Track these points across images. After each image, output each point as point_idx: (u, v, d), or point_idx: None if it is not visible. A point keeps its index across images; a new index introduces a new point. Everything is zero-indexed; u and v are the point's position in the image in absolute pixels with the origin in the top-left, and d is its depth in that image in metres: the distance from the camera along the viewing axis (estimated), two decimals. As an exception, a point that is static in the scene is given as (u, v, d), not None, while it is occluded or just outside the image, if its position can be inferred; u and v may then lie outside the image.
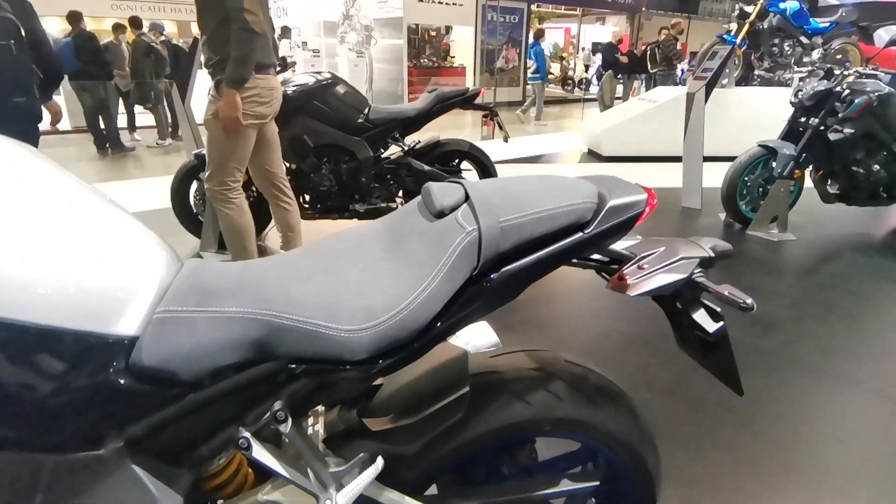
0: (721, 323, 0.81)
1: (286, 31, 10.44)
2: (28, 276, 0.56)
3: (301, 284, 0.68)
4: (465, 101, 3.20)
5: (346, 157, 3.06)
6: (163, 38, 7.28)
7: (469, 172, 3.32)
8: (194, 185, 3.15)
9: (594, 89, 12.75)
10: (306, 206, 3.13)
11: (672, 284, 0.78)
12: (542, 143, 7.31)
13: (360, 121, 3.03)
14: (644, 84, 10.01)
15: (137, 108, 7.24)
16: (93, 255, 0.62)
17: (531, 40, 9.77)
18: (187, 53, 3.56)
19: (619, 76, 9.60)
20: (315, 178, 3.02)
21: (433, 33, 12.19)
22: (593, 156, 6.47)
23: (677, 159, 4.43)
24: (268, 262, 0.75)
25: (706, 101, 3.92)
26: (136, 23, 6.85)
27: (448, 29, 12.32)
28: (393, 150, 3.21)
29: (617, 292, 0.80)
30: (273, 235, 3.40)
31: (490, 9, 11.83)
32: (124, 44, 6.99)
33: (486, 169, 3.34)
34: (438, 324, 0.67)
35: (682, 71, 9.76)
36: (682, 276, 0.79)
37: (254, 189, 3.20)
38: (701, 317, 0.82)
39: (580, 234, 0.74)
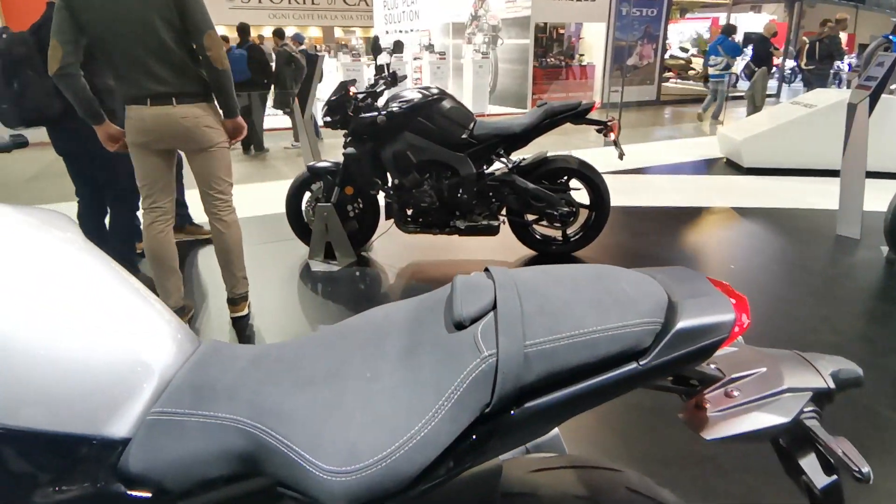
0: (834, 477, 0.61)
1: (398, 46, 10.66)
2: (17, 373, 0.55)
3: (298, 393, 0.61)
4: (577, 115, 2.99)
5: (448, 174, 3.02)
6: (302, 47, 7.83)
7: (578, 192, 3.11)
8: (307, 196, 3.30)
9: (742, 85, 11.53)
10: (408, 220, 3.14)
11: (768, 430, 0.61)
12: (672, 150, 6.73)
13: (463, 137, 2.97)
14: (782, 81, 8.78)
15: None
16: (92, 348, 0.60)
17: (715, 35, 9.03)
18: (307, 67, 3.75)
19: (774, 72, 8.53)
20: (417, 194, 3.02)
21: (561, 31, 11.80)
22: (732, 167, 5.81)
23: (832, 174, 3.80)
24: (282, 350, 0.70)
25: (870, 113, 3.30)
26: (279, 33, 7.43)
27: (578, 26, 11.85)
28: (498, 167, 3.11)
29: (690, 428, 0.64)
30: (379, 244, 3.47)
31: (625, 2, 11.15)
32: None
33: (596, 189, 3.10)
34: (439, 468, 0.56)
35: (845, 68, 8.41)
36: (784, 419, 0.61)
37: (359, 201, 3.29)
38: (809, 464, 0.63)
39: (633, 365, 0.59)
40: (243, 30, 6.98)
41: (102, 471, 0.58)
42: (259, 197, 4.59)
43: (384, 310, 0.74)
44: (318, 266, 3.20)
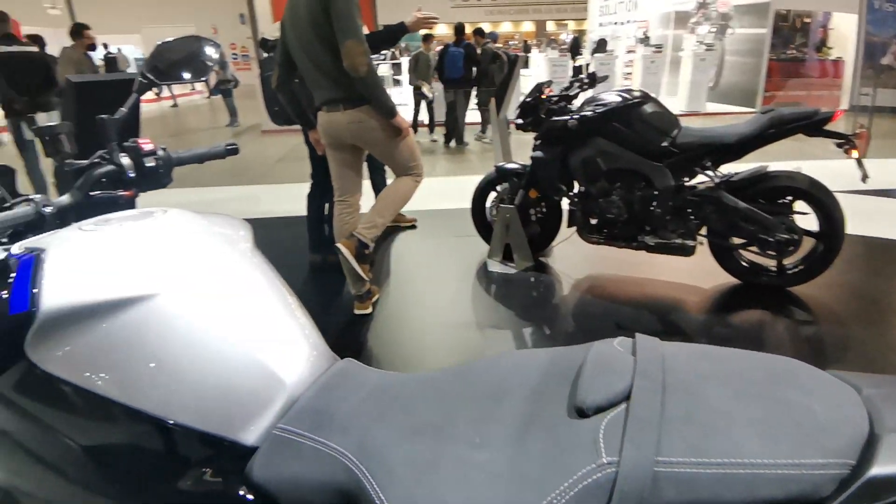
0: None
1: (601, 45, 10.11)
2: (175, 369, 0.63)
3: (404, 441, 0.59)
4: (811, 126, 2.48)
5: (641, 184, 2.77)
6: (497, 45, 8.08)
7: (806, 218, 2.60)
8: (492, 195, 3.34)
9: None
10: (592, 230, 2.98)
11: None
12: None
13: (664, 145, 2.69)
14: None
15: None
16: (238, 356, 0.66)
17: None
18: (507, 68, 3.76)
19: None
20: (604, 203, 2.83)
21: (807, 20, 10.00)
22: None
23: None
24: (403, 386, 0.69)
25: None
26: (480, 32, 7.65)
27: (826, 15, 9.91)
28: (702, 179, 2.75)
29: None
30: (558, 251, 3.37)
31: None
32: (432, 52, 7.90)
33: (828, 215, 2.55)
34: None
35: None
36: None
37: (542, 206, 3.22)
38: None
39: None
40: (459, 29, 7.33)
41: (231, 473, 0.63)
42: (451, 190, 4.81)
43: (514, 359, 0.68)
44: (496, 266, 3.22)
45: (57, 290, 0.61)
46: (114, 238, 0.69)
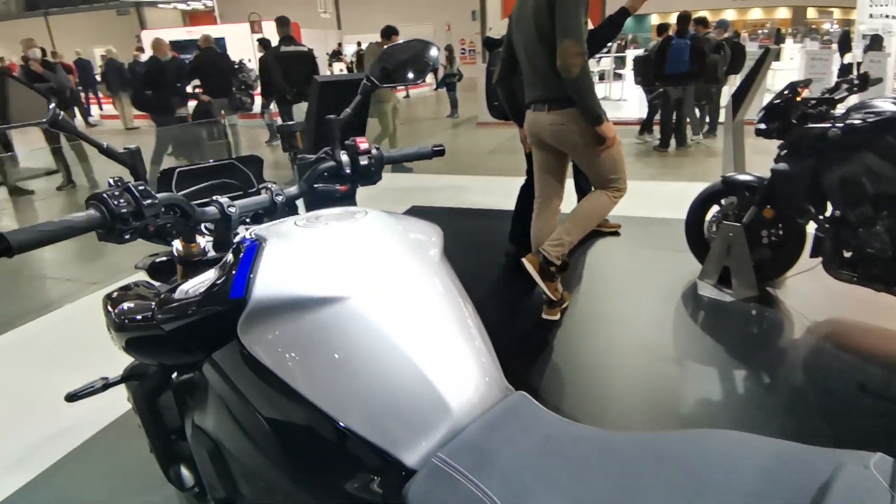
0: None
1: (876, 42, 8.14)
2: (347, 375, 0.64)
3: None
4: None
5: (925, 215, 2.16)
6: (726, 34, 7.21)
7: None
8: (714, 209, 2.95)
9: None
10: (844, 264, 2.43)
11: None
12: None
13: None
14: None
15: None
16: (411, 372, 0.65)
17: None
18: (755, 62, 3.24)
19: None
20: (864, 234, 2.28)
21: None
22: None
23: None
24: (576, 444, 0.61)
25: None
26: (702, 21, 6.81)
27: None
28: None
29: None
30: (792, 283, 2.85)
31: None
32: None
33: None
34: None
35: None
36: None
37: (779, 227, 2.74)
38: None
39: None
40: (684, 18, 6.62)
41: (391, 490, 0.63)
42: (662, 197, 4.39)
43: (726, 444, 0.55)
44: (707, 290, 2.85)
45: (266, 282, 0.67)
46: (320, 237, 0.74)
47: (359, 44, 19.37)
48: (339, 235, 0.74)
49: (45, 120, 0.74)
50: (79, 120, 12.01)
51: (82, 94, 13.85)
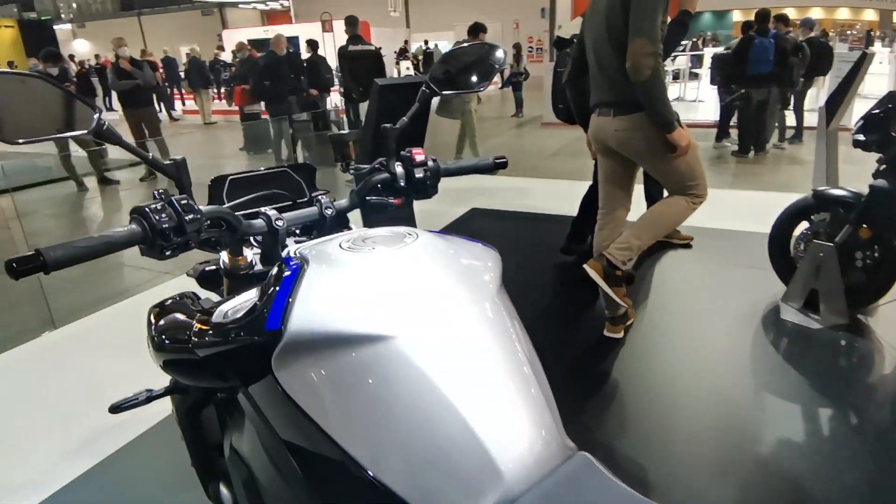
0: None
1: None
2: (384, 423, 0.58)
3: None
4: None
5: None
6: (811, 34, 6.66)
7: None
8: (803, 225, 2.69)
9: None
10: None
11: None
12: None
13: None
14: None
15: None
16: (456, 427, 0.58)
17: None
18: (852, 67, 2.92)
19: None
20: None
21: None
22: None
23: None
24: None
25: None
26: (783, 18, 6.27)
27: None
28: None
29: None
30: (889, 311, 2.56)
31: None
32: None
33: None
34: None
35: None
36: None
37: (875, 250, 2.46)
38: None
39: None
40: (763, 16, 6.13)
41: None
42: (741, 208, 4.09)
43: None
44: (791, 314, 2.60)
45: (303, 316, 0.61)
46: (364, 265, 0.68)
47: (425, 42, 19.51)
48: (385, 263, 0.68)
49: (88, 130, 0.72)
50: (163, 115, 12.78)
51: (168, 90, 14.74)
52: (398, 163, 1.00)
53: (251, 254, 0.91)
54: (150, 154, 0.75)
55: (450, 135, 6.51)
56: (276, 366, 0.62)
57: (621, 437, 1.93)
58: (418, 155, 1.00)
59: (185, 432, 1.01)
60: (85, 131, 0.72)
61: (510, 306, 0.73)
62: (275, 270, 0.71)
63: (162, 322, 0.83)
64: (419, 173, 0.99)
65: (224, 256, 0.89)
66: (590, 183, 3.28)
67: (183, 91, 15.79)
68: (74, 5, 26.28)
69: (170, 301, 0.87)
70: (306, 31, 17.88)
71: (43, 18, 22.74)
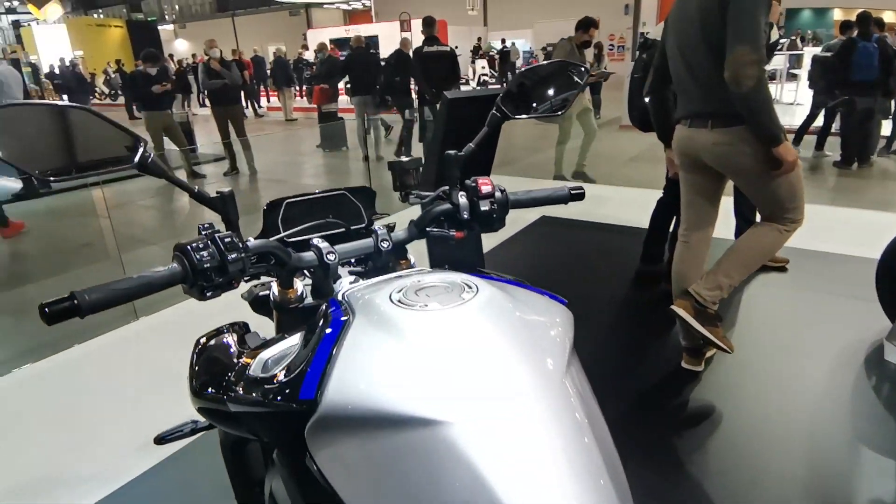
0: None
1: None
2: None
3: None
4: None
5: None
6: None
7: None
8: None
9: None
10: None
11: None
12: None
13: None
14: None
15: None
16: None
17: None
18: None
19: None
20: None
21: None
22: None
23: None
24: None
25: None
26: (879, 23, 5.59)
27: None
28: None
29: None
30: None
31: None
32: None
33: None
34: None
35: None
36: None
37: None
38: None
39: None
40: (865, 19, 5.51)
41: None
42: (841, 228, 3.69)
43: None
44: (899, 355, 2.30)
45: (341, 387, 0.55)
46: (416, 326, 0.60)
47: (503, 41, 19.31)
48: (439, 328, 0.60)
49: (131, 163, 0.69)
50: (249, 110, 13.44)
51: (256, 88, 15.51)
52: (462, 193, 0.92)
53: (302, 285, 0.86)
54: (196, 187, 0.72)
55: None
56: (309, 436, 0.57)
57: (698, 496, 1.74)
58: (485, 185, 0.91)
59: (229, 467, 0.99)
60: (128, 164, 0.69)
61: (583, 379, 0.64)
62: (320, 321, 0.66)
63: (202, 362, 0.80)
64: (485, 205, 0.91)
65: (274, 287, 0.85)
66: (659, 195, 3.07)
67: (268, 88, 16.56)
68: (177, 7, 28.25)
69: (214, 337, 0.85)
70: (384, 31, 18.22)
71: (149, 19, 24.61)
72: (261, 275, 0.78)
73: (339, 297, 0.71)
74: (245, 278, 0.75)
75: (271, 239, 0.80)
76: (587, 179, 5.70)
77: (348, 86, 7.77)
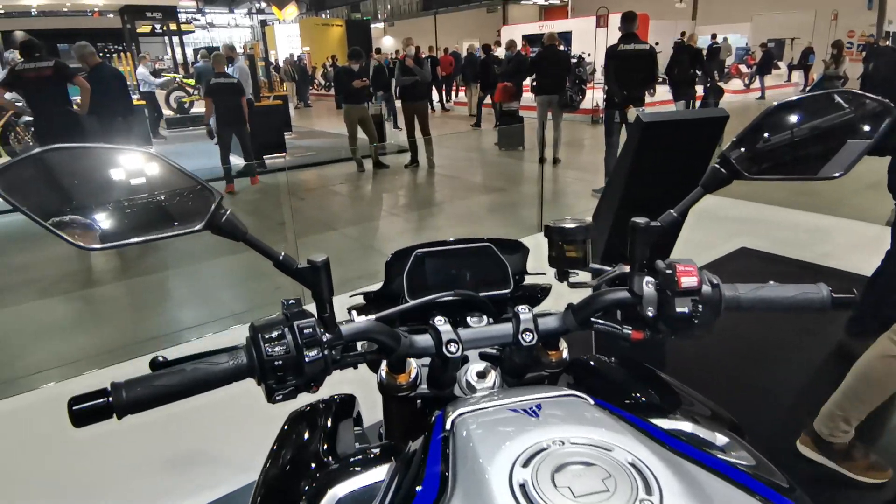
0: None
1: None
2: None
3: None
4: None
5: None
6: None
7: None
8: None
9: None
10: None
11: None
12: None
13: None
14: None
15: None
16: None
17: None
18: None
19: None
20: None
21: None
22: None
23: None
24: None
25: None
26: None
27: None
28: None
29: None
30: None
31: None
32: None
33: None
34: None
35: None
36: None
37: None
38: None
39: None
40: None
41: None
42: None
43: None
44: None
45: None
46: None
47: (713, 36, 17.27)
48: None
49: (200, 226, 0.54)
50: (437, 104, 14.03)
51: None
52: (649, 280, 0.63)
53: (417, 366, 0.70)
54: (282, 254, 0.57)
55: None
56: None
57: None
58: (686, 276, 0.60)
59: None
60: (197, 227, 0.54)
61: None
62: (412, 456, 0.49)
63: (278, 458, 0.68)
64: (683, 306, 0.60)
65: (382, 367, 0.70)
66: (889, 248, 2.35)
67: (458, 84, 17.12)
68: (388, 7, 30.74)
69: (305, 423, 0.73)
70: (578, 27, 17.58)
71: (364, 18, 27.16)
72: (358, 364, 0.63)
73: (449, 421, 0.52)
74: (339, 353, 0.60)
75: (379, 315, 0.65)
76: None
77: (534, 84, 7.55)
